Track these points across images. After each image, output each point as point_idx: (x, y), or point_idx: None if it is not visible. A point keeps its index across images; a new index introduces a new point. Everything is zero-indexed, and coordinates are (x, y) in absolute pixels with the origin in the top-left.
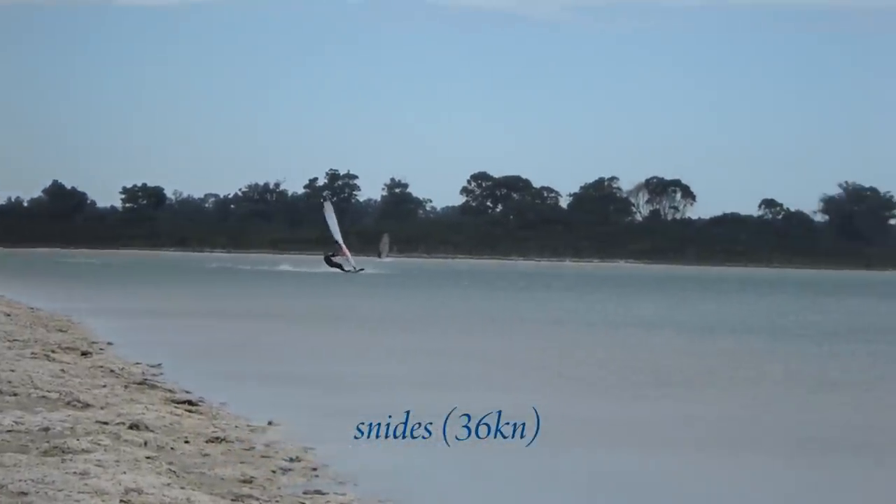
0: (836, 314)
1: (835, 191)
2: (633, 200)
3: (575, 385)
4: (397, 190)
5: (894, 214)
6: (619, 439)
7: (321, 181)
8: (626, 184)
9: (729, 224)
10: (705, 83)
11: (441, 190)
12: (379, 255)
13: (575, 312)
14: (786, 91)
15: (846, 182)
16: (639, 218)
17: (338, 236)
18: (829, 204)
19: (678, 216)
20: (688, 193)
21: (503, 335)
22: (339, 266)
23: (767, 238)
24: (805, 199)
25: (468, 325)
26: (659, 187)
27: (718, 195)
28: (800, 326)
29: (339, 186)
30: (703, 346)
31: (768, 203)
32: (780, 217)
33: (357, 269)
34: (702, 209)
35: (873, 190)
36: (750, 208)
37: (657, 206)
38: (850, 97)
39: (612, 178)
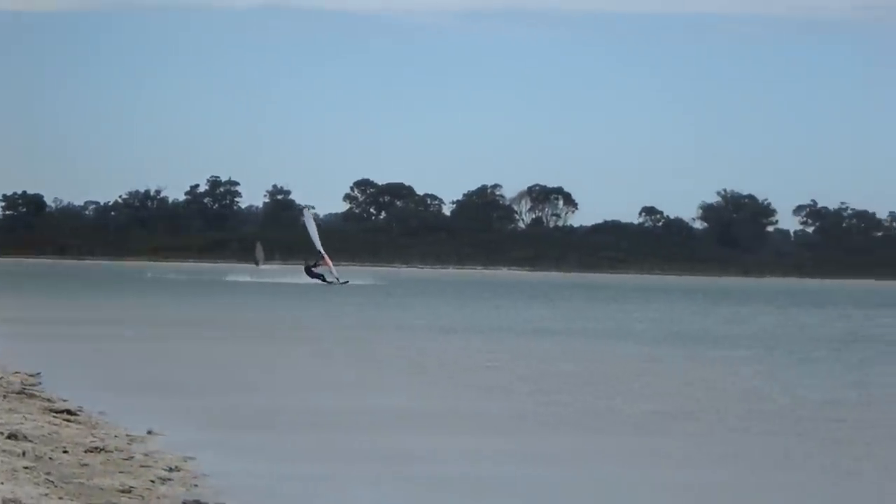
0: (719, 320)
1: (713, 198)
2: (515, 208)
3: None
4: (279, 197)
5: (772, 222)
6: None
7: (202, 188)
8: (509, 191)
9: (610, 231)
10: (586, 91)
11: (324, 197)
12: (257, 264)
13: (462, 319)
14: (666, 99)
15: (724, 190)
16: (521, 225)
17: (319, 246)
18: (708, 211)
19: (560, 223)
20: (569, 201)
21: (392, 342)
22: (321, 277)
23: (648, 245)
24: (684, 206)
25: (358, 333)
26: (541, 195)
27: (600, 203)
28: (694, 332)
29: (221, 193)
30: (606, 352)
31: (648, 210)
32: (660, 224)
33: (341, 280)
34: (583, 217)
35: (751, 198)
36: (630, 216)
37: (539, 214)
38: (729, 105)
39: (495, 186)
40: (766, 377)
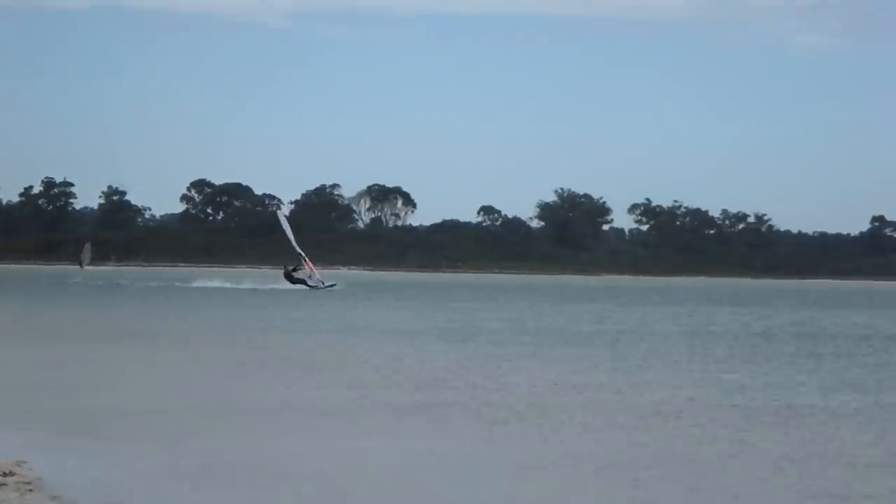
0: (569, 317)
1: (550, 197)
2: (354, 208)
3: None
4: (115, 197)
5: (607, 220)
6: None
7: (36, 189)
8: (348, 191)
9: (449, 231)
10: (423, 90)
11: (160, 197)
12: (80, 265)
13: (295, 320)
14: (502, 98)
15: (561, 188)
16: (361, 225)
17: (297, 248)
18: (545, 210)
19: (399, 223)
20: (408, 201)
21: (258, 342)
22: (303, 281)
23: (486, 244)
24: (522, 205)
25: (195, 335)
26: (380, 195)
27: (438, 202)
28: (545, 330)
29: (55, 194)
30: (465, 352)
31: (487, 210)
32: (498, 223)
33: (326, 284)
34: (422, 216)
35: (587, 196)
36: (469, 215)
37: (379, 214)
38: (565, 104)
39: (334, 186)
40: (622, 373)
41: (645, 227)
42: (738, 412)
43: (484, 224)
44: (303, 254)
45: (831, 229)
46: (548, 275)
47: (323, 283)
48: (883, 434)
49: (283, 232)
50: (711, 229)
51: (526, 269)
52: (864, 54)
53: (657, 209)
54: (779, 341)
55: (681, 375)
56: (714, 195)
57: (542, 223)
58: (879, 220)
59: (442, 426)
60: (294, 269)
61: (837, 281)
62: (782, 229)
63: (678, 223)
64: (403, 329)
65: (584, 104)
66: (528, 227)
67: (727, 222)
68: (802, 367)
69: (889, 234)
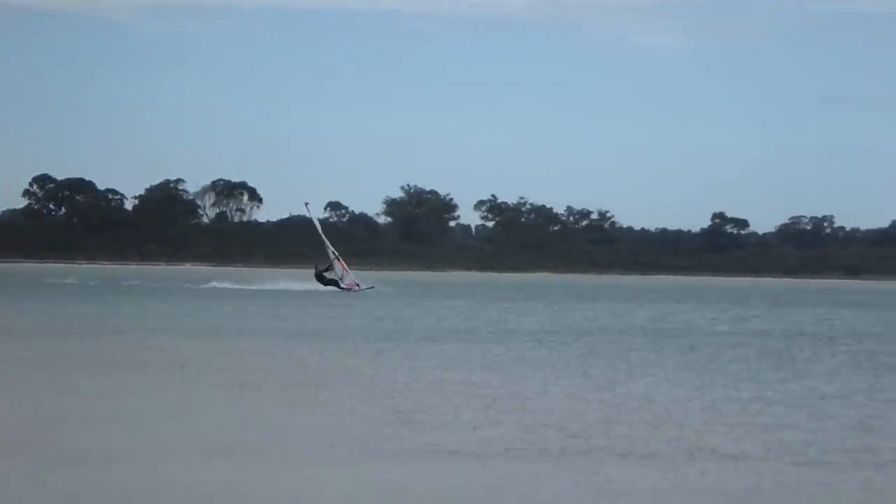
0: (418, 315)
1: (397, 193)
2: (199, 203)
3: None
4: None
5: (454, 217)
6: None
7: None
8: (193, 186)
9: (295, 227)
10: (270, 84)
11: (2, 193)
12: None
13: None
14: (349, 93)
15: (408, 185)
16: (206, 220)
17: (330, 247)
18: (392, 206)
19: (245, 218)
20: (254, 196)
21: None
22: (335, 283)
23: (333, 239)
24: (369, 201)
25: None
26: (225, 190)
27: (285, 198)
28: (408, 329)
29: None
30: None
31: (334, 205)
32: (345, 219)
33: (363, 287)
34: (268, 212)
35: (434, 193)
36: (316, 210)
37: (224, 209)
38: (411, 99)
39: (178, 180)
40: (489, 370)
41: (491, 224)
42: (604, 406)
43: (331, 220)
44: (336, 254)
45: (672, 226)
46: (395, 271)
47: (359, 286)
48: (753, 427)
49: (316, 229)
50: (556, 226)
51: (373, 265)
52: (705, 54)
53: (503, 206)
54: (635, 336)
55: (547, 371)
56: (558, 192)
57: (389, 219)
58: (720, 217)
59: (313, 427)
60: (325, 270)
61: (678, 277)
62: (625, 226)
63: (523, 220)
64: (262, 329)
65: (431, 100)
66: (375, 223)
67: (571, 219)
68: (664, 362)
69: (729, 230)
